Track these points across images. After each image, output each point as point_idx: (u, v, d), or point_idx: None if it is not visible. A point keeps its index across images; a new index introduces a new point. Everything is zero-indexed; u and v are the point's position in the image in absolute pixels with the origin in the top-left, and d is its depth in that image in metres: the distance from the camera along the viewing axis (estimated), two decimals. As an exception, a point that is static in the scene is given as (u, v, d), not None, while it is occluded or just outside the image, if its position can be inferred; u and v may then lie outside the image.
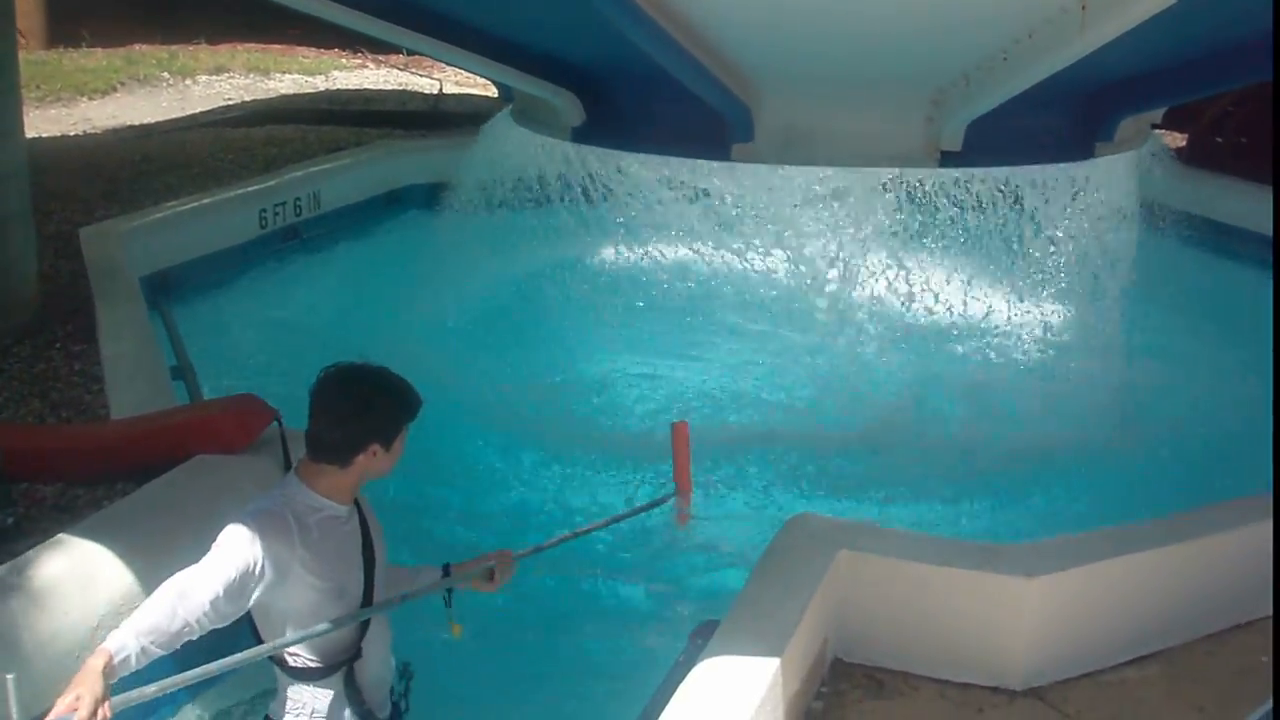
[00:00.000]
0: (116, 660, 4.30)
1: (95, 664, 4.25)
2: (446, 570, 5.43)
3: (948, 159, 7.99)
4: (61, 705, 4.13)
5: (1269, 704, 5.67)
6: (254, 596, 4.67)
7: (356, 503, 5.02)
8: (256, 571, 4.62)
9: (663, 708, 5.10)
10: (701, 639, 5.71)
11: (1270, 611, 6.46)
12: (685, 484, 6.39)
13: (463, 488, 9.28)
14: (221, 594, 4.55)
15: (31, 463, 7.36)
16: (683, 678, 5.28)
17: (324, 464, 4.80)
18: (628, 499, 7.47)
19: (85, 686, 4.18)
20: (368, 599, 4.99)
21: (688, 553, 8.53)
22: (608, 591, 8.07)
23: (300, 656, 4.98)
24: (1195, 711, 5.96)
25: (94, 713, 4.16)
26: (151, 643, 4.43)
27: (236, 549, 4.61)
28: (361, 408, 4.79)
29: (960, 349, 11.52)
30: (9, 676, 5.41)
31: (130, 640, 4.35)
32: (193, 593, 4.53)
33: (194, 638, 4.62)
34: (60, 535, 6.13)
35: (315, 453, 4.80)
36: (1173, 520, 6.67)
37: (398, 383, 4.93)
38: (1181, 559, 6.36)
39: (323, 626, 4.80)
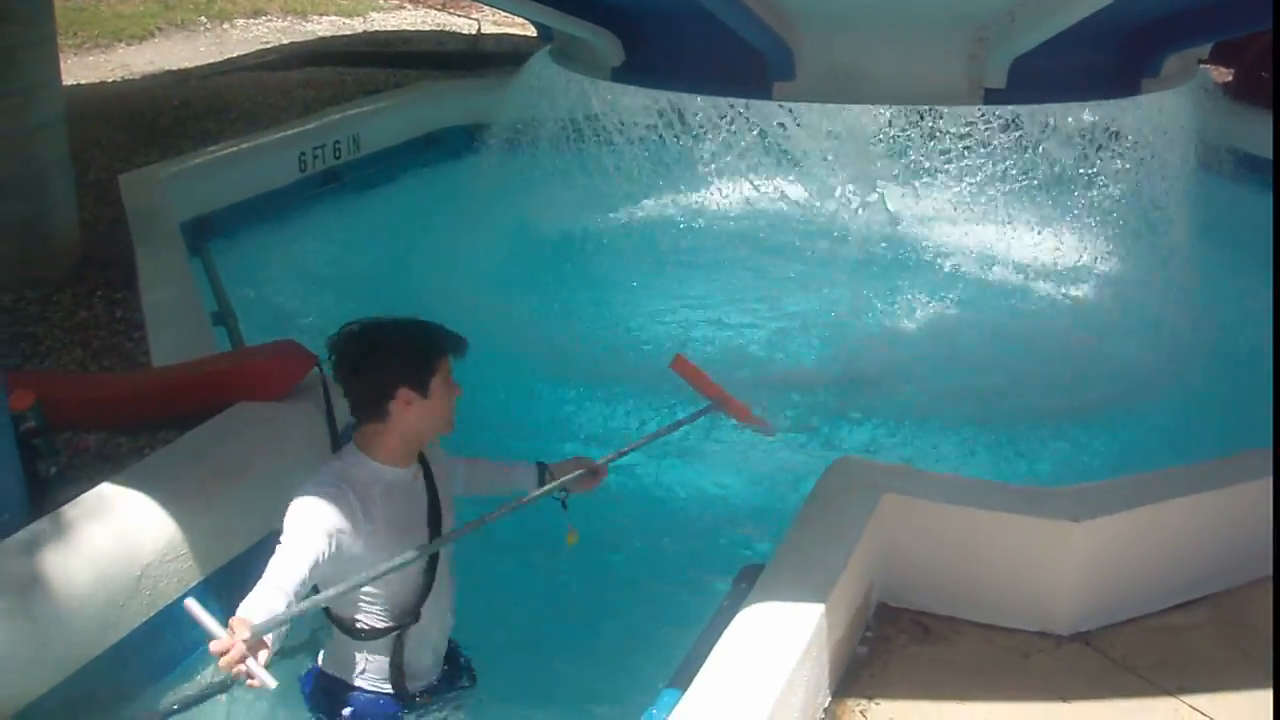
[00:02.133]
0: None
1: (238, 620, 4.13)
2: (542, 469, 5.47)
3: (991, 96, 7.89)
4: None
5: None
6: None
7: (425, 461, 4.98)
8: (325, 555, 4.58)
9: (707, 653, 5.08)
10: (745, 583, 5.69)
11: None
12: (715, 392, 6.32)
13: (504, 429, 9.26)
14: (307, 575, 4.48)
15: (74, 411, 7.37)
16: (727, 622, 5.27)
17: (365, 425, 4.77)
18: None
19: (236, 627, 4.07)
20: (431, 566, 4.97)
21: (732, 494, 8.51)
22: (651, 535, 8.04)
23: (363, 615, 4.95)
24: (1242, 656, 5.91)
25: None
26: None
27: (303, 535, 4.57)
28: (377, 353, 4.77)
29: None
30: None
31: (252, 611, 4.24)
32: (284, 582, 4.42)
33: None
34: (103, 484, 6.14)
35: (354, 415, 4.78)
36: (1220, 464, 6.59)
37: (415, 325, 4.91)
38: (1229, 502, 6.28)
39: (410, 555, 4.74)
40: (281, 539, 4.62)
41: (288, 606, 4.30)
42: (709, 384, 6.31)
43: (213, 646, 4.02)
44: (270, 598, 4.34)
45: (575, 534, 5.45)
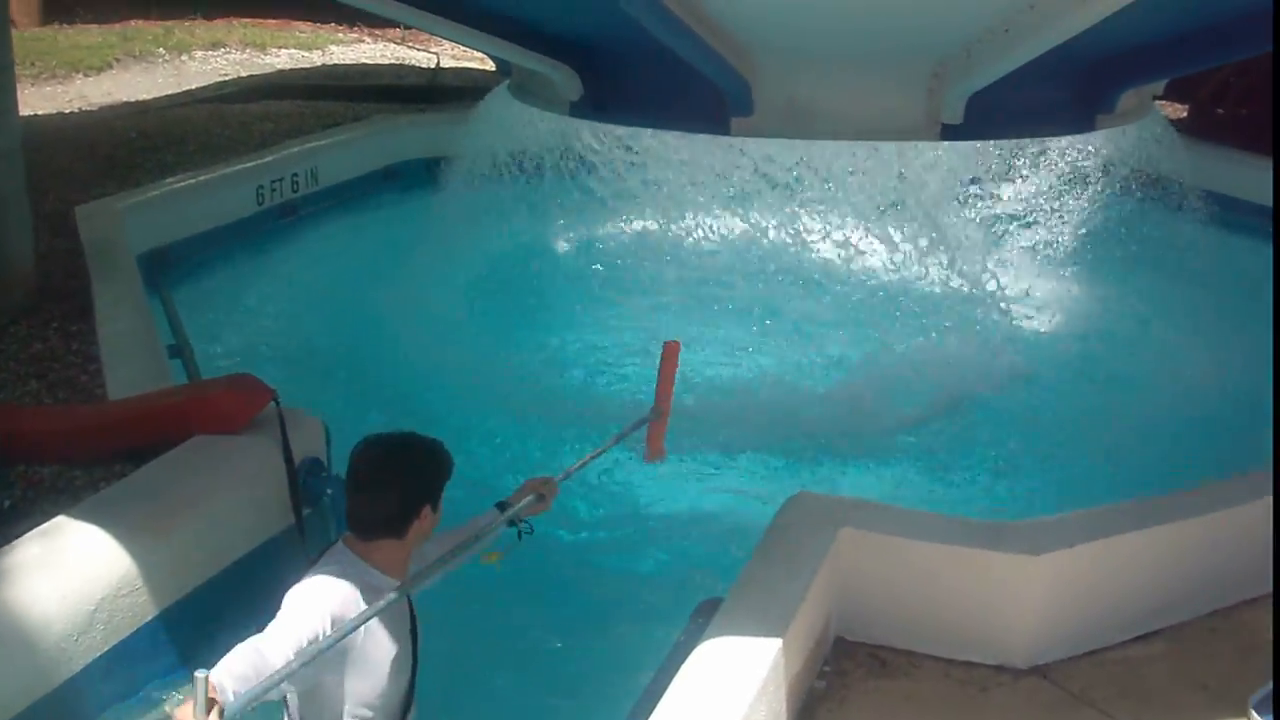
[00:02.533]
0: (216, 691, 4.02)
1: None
2: (501, 507, 5.43)
3: (948, 131, 7.94)
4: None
5: (1270, 685, 5.69)
6: (318, 672, 4.50)
7: None
8: (320, 637, 4.44)
9: (665, 688, 5.06)
10: (703, 618, 5.68)
11: (1271, 589, 6.45)
12: (665, 404, 6.51)
13: (463, 458, 9.24)
14: (294, 657, 4.31)
15: (29, 444, 7.33)
16: (684, 657, 5.26)
17: (378, 539, 4.72)
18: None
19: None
20: (411, 686, 4.93)
21: (689, 530, 8.50)
22: (607, 570, 8.04)
23: None
24: (1200, 689, 5.94)
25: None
26: (241, 688, 4.13)
27: (306, 616, 4.43)
28: (407, 476, 4.74)
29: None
30: None
31: (225, 679, 4.10)
32: (269, 654, 4.28)
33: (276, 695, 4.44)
34: (59, 517, 6.11)
35: (368, 530, 4.70)
36: (1177, 497, 6.64)
37: (431, 443, 4.89)
38: (1186, 535, 6.32)
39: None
40: (279, 615, 4.50)
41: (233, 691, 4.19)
42: (668, 389, 6.39)
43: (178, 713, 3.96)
44: (247, 662, 4.22)
45: (498, 556, 5.46)
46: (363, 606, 4.55)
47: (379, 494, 4.69)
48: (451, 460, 4.94)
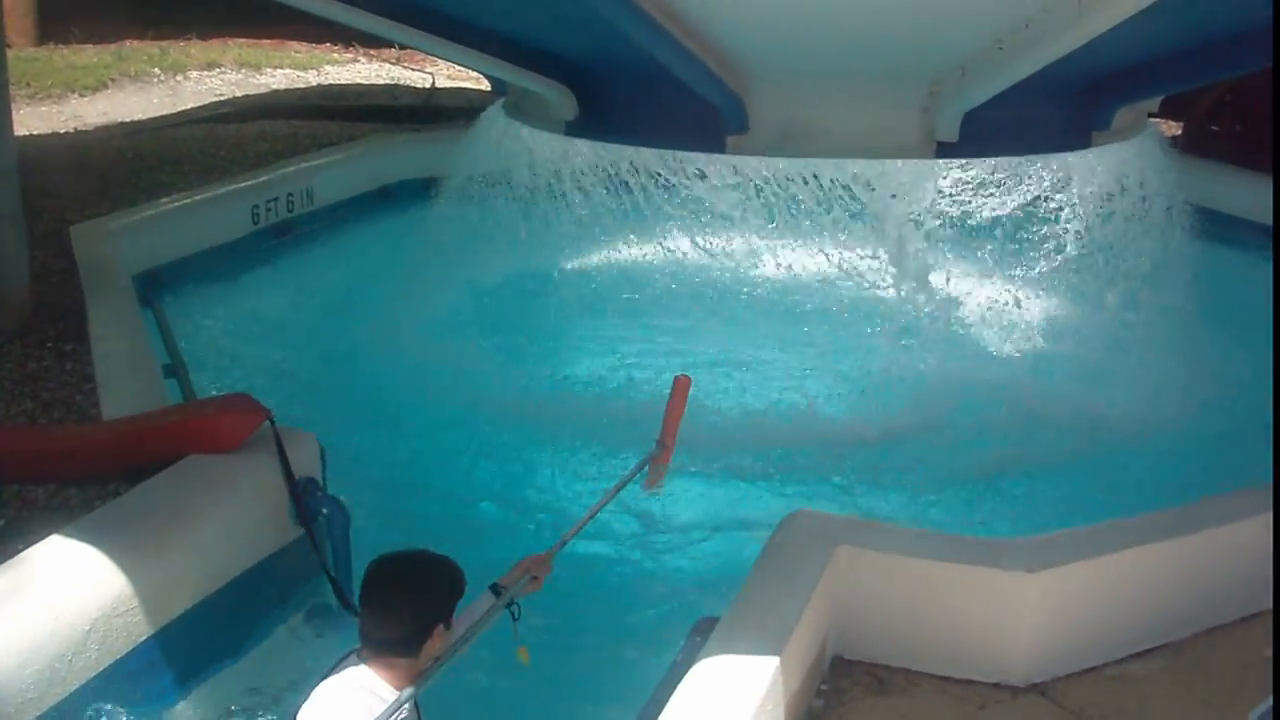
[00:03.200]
0: None
1: None
2: (495, 590, 5.45)
3: (944, 149, 7.94)
4: None
5: (1271, 699, 5.67)
6: None
7: None
8: None
9: (662, 706, 5.05)
10: (700, 636, 5.67)
11: (1269, 605, 6.44)
12: (670, 440, 6.48)
13: (460, 480, 9.25)
14: None
15: (23, 464, 7.31)
16: (682, 676, 5.25)
17: (392, 657, 4.74)
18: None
19: None
20: None
21: (685, 548, 8.49)
22: (603, 588, 8.02)
23: None
24: (1199, 705, 5.92)
25: None
26: None
27: None
28: (422, 597, 4.79)
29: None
30: None
31: None
32: None
33: None
34: (52, 537, 6.08)
35: (382, 649, 4.73)
36: (1175, 513, 6.63)
37: (444, 562, 4.92)
38: (1184, 552, 6.31)
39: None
40: None
41: None
42: (675, 424, 6.39)
43: None
44: None
45: (526, 652, 5.46)
46: None
47: (392, 616, 4.73)
48: (463, 577, 4.97)
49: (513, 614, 5.42)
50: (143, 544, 6.18)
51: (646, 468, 6.61)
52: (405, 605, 4.73)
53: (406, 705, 4.79)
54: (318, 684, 4.75)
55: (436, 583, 4.85)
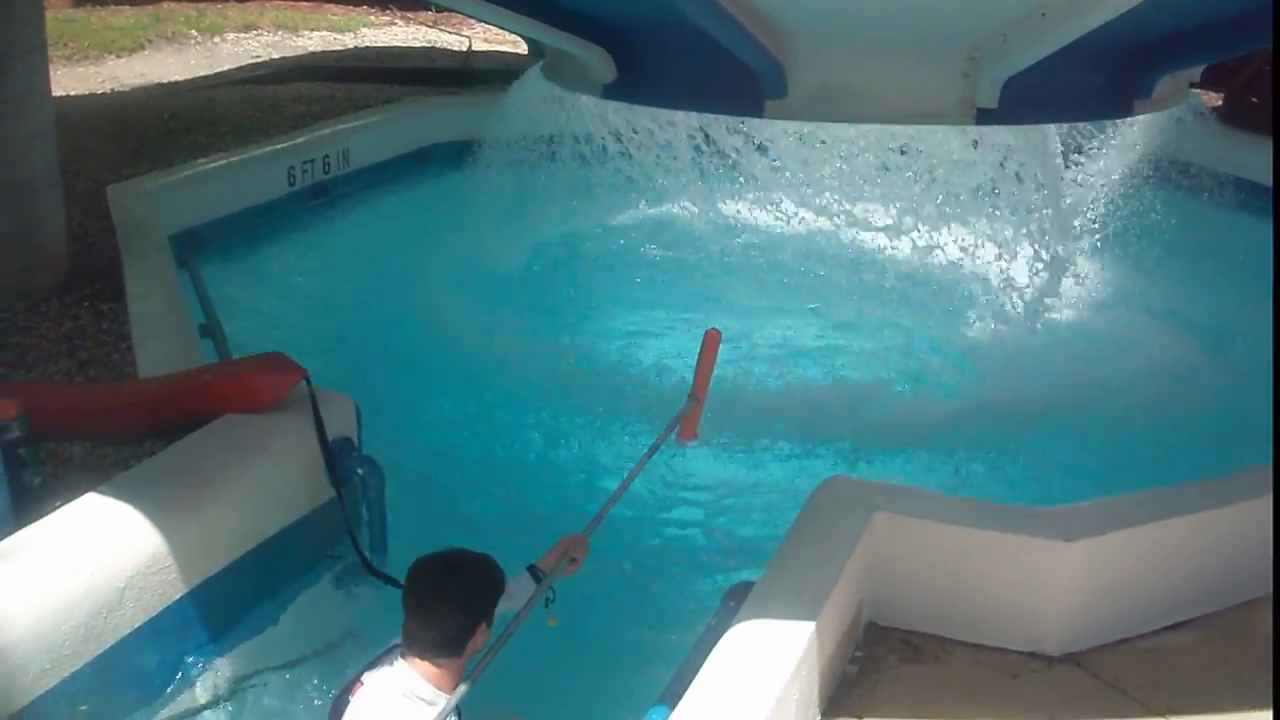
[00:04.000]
0: None
1: None
2: (533, 572, 5.57)
3: (983, 115, 7.88)
4: None
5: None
6: None
7: None
8: None
9: (696, 671, 5.05)
10: (735, 601, 5.65)
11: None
12: (702, 392, 6.58)
13: (495, 444, 9.26)
14: None
15: (59, 422, 7.32)
16: (716, 641, 5.24)
17: (437, 658, 4.82)
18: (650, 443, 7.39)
19: None
20: None
21: (721, 514, 8.48)
22: (638, 552, 8.01)
23: None
24: (1233, 679, 5.88)
25: None
26: None
27: None
28: (465, 600, 4.85)
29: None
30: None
31: None
32: None
33: None
34: (88, 494, 6.10)
35: (427, 651, 4.81)
36: (1211, 484, 6.57)
37: (485, 561, 5.00)
38: (1220, 523, 6.26)
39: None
40: None
41: None
42: (706, 377, 6.42)
43: None
44: None
45: (555, 619, 5.55)
46: None
47: (435, 618, 4.79)
48: (503, 574, 5.08)
49: (547, 602, 5.50)
50: (178, 502, 6.20)
51: (678, 428, 6.63)
52: (450, 608, 4.80)
53: (452, 705, 4.87)
54: (359, 676, 4.85)
55: (479, 584, 4.93)
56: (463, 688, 4.79)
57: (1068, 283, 11.82)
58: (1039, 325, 11.14)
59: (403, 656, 4.84)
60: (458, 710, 4.94)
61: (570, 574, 5.70)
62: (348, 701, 4.76)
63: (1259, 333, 10.39)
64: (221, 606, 6.36)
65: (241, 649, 6.45)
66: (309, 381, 7.10)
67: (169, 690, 6.08)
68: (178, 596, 6.09)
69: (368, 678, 4.83)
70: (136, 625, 5.87)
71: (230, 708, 6.06)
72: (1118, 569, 6.08)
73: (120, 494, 6.11)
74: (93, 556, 5.73)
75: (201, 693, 6.10)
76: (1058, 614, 6.04)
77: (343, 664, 5.70)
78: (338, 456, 7.07)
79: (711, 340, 6.57)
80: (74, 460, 7.11)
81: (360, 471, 7.20)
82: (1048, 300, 11.47)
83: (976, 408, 9.65)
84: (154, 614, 5.96)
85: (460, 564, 4.91)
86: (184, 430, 6.86)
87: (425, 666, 4.80)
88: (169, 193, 12.07)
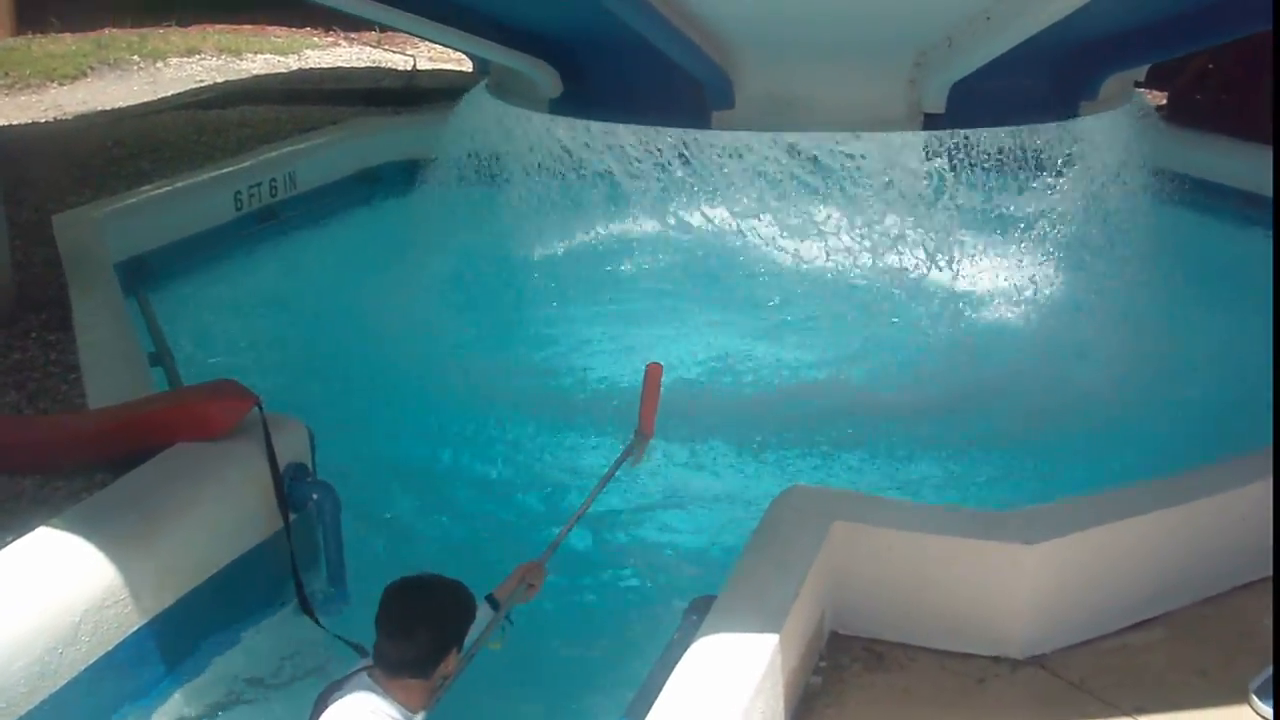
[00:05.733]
0: None
1: None
2: (491, 601, 5.63)
3: (930, 121, 7.90)
4: None
5: (1271, 668, 5.67)
6: None
7: None
8: None
9: (660, 686, 5.02)
10: (697, 615, 5.63)
11: (1272, 571, 6.42)
12: (649, 428, 6.57)
13: (447, 461, 9.22)
14: None
15: (9, 455, 7.25)
16: (679, 655, 5.21)
17: (406, 678, 4.89)
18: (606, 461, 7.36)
19: None
20: None
21: (680, 526, 8.46)
22: (597, 566, 7.99)
23: None
24: (1198, 675, 5.90)
25: None
26: None
27: None
28: (438, 623, 4.96)
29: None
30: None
31: None
32: None
33: None
34: (40, 528, 6.04)
35: (397, 670, 4.89)
36: (1171, 482, 6.60)
37: (456, 587, 5.10)
38: (1181, 521, 6.28)
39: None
40: None
41: None
42: (651, 411, 6.39)
43: None
44: None
45: (497, 642, 5.63)
46: None
47: (410, 641, 4.88)
48: (474, 600, 5.17)
49: (504, 628, 5.63)
50: (132, 534, 6.13)
51: (631, 455, 6.64)
52: (424, 630, 4.89)
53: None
54: (327, 695, 4.88)
55: (453, 609, 5.04)
56: (430, 708, 4.85)
57: (1022, 281, 11.87)
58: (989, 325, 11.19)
59: (371, 676, 4.88)
60: None
61: (527, 600, 5.79)
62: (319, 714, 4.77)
63: (1210, 328, 10.50)
64: (179, 638, 6.30)
65: (200, 681, 6.39)
66: (260, 407, 7.05)
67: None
68: (134, 629, 6.02)
69: (335, 697, 4.84)
70: (92, 660, 5.80)
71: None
72: (1079, 570, 6.08)
73: (72, 527, 6.04)
74: (46, 591, 5.66)
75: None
76: (1021, 617, 6.03)
77: (304, 695, 5.62)
78: (291, 482, 7.02)
79: (653, 375, 6.54)
80: (25, 494, 7.01)
81: (315, 496, 7.14)
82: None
83: (937, 411, 9.66)
84: (110, 648, 5.89)
85: (434, 586, 5.01)
86: (135, 460, 6.79)
87: (394, 686, 4.85)
88: (115, 220, 11.96)
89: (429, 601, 4.96)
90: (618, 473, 6.66)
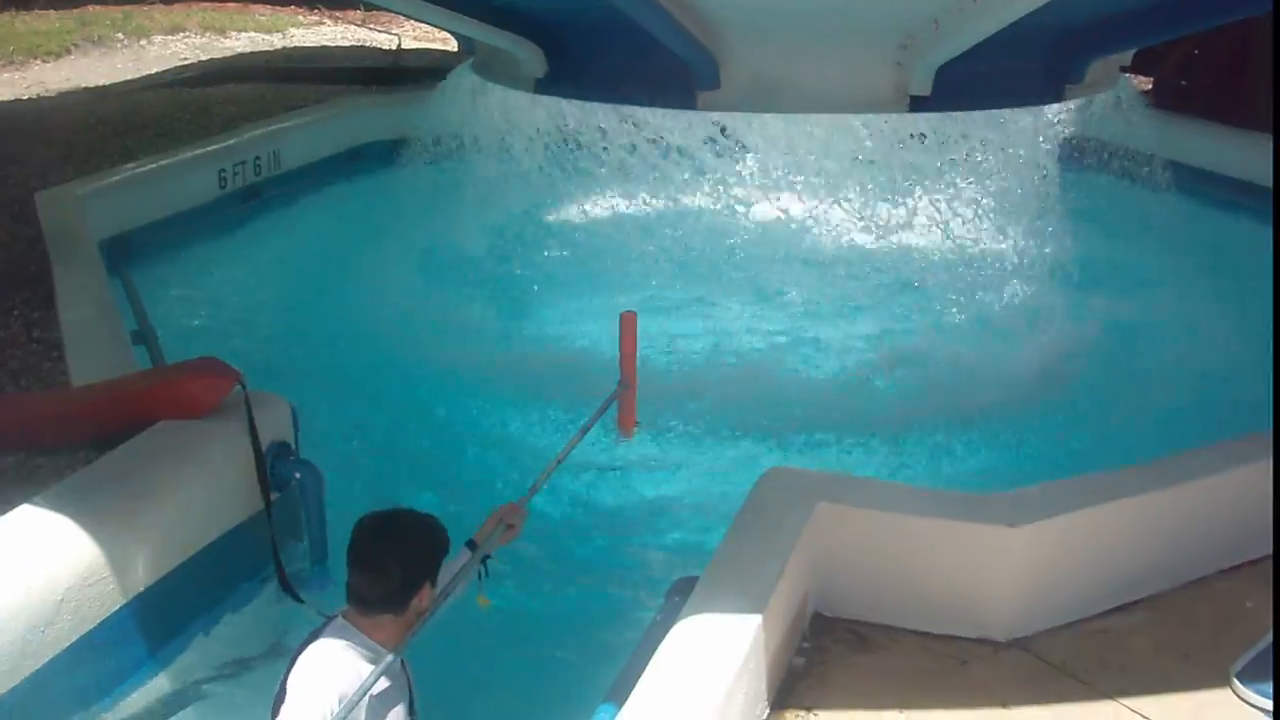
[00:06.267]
0: None
1: None
2: (471, 545, 5.49)
3: (917, 103, 7.90)
4: None
5: (1254, 650, 5.68)
6: None
7: None
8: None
9: (643, 667, 5.01)
10: (679, 596, 5.62)
11: (1255, 555, 6.46)
12: (630, 376, 6.49)
13: (431, 438, 9.21)
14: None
15: (-8, 432, 7.24)
16: (661, 636, 5.20)
17: (380, 615, 4.81)
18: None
19: None
20: None
21: (663, 507, 8.45)
22: (580, 548, 7.99)
23: None
24: (1180, 659, 5.90)
25: None
26: None
27: (317, 700, 4.59)
28: (409, 554, 4.86)
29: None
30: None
31: None
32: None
33: None
34: (23, 506, 6.03)
35: (369, 605, 4.81)
36: (1155, 465, 6.59)
37: (430, 520, 5.02)
38: (1164, 504, 6.28)
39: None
40: (289, 699, 4.67)
41: None
42: (631, 361, 6.38)
43: None
44: None
45: (485, 599, 5.52)
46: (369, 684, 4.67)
47: (381, 574, 4.80)
48: (447, 535, 5.06)
49: (484, 569, 5.48)
50: (115, 512, 6.12)
51: (616, 412, 6.58)
52: (394, 563, 4.80)
53: (397, 668, 4.87)
54: (303, 647, 4.77)
55: (424, 540, 4.93)
56: (399, 647, 4.76)
57: (1008, 265, 11.89)
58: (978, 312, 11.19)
59: (345, 618, 4.83)
60: (404, 666, 4.95)
61: (508, 541, 5.63)
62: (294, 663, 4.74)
63: (1194, 313, 10.52)
64: (162, 617, 6.28)
65: (183, 659, 6.38)
66: (243, 385, 7.03)
67: (109, 703, 5.99)
68: (116, 608, 6.01)
69: (313, 639, 4.80)
70: (75, 639, 5.79)
71: (173, 720, 6.00)
72: (1063, 553, 6.09)
73: (56, 505, 6.03)
74: (29, 569, 5.64)
75: (143, 705, 6.02)
76: (1004, 599, 6.03)
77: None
78: (274, 460, 7.01)
79: (628, 322, 6.49)
80: (8, 471, 6.99)
81: (298, 475, 7.13)
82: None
83: (922, 394, 9.68)
84: (93, 626, 5.88)
85: (404, 520, 4.94)
86: (119, 438, 6.77)
87: (367, 623, 4.79)
88: (98, 198, 11.93)
89: (399, 534, 4.88)
90: (610, 438, 6.59)
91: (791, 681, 5.68)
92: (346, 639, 4.75)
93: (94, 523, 5.95)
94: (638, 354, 6.58)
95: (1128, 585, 6.26)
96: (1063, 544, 6.06)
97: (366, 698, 4.63)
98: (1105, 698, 5.62)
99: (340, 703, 4.52)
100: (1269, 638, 5.77)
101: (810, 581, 6.01)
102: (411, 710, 4.99)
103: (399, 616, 4.81)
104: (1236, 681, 5.60)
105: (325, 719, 4.50)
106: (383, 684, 4.75)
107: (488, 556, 5.49)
